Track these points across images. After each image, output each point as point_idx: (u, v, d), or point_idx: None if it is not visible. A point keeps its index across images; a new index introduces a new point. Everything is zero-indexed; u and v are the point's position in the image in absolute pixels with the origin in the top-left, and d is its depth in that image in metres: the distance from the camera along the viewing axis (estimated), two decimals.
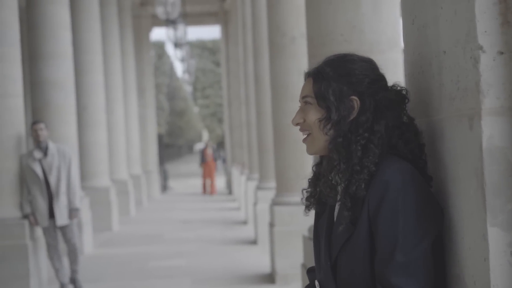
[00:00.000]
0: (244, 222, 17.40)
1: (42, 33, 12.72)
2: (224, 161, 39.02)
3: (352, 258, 2.25)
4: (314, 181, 2.46)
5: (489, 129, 1.89)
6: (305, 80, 2.44)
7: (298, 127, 2.41)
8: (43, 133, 9.50)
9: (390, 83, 2.39)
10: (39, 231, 9.86)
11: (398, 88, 2.36)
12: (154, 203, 25.26)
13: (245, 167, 21.81)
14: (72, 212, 9.57)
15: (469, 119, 1.97)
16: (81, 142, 15.49)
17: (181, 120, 74.28)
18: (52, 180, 9.44)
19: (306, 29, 5.87)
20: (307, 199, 2.48)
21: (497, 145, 1.89)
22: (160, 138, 33.51)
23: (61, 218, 9.44)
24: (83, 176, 15.81)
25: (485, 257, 1.92)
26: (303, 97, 2.38)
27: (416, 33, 2.37)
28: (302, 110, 2.39)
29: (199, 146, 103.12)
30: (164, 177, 32.34)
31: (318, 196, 2.43)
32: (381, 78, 2.37)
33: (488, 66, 1.90)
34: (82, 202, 13.18)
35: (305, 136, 2.39)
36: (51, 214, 9.47)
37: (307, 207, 2.49)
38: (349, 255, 2.26)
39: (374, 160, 2.22)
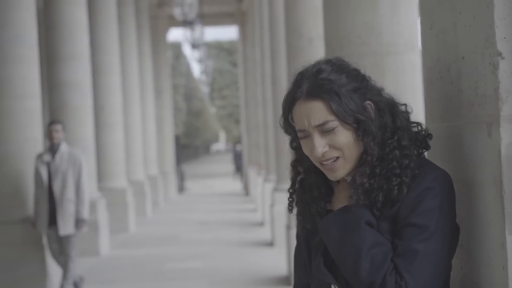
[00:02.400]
0: (261, 224, 17.40)
1: (60, 34, 12.79)
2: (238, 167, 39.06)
3: None
4: (300, 191, 2.30)
5: (508, 136, 1.87)
6: (295, 102, 2.16)
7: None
8: (58, 135, 8.91)
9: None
10: None
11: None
12: (171, 204, 25.31)
13: (261, 168, 21.80)
14: (79, 223, 8.87)
15: (487, 126, 1.95)
16: (98, 143, 15.55)
17: (198, 121, 74.46)
18: (56, 185, 8.83)
19: (324, 31, 5.85)
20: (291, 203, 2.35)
21: None
22: (177, 138, 33.55)
23: (64, 227, 8.77)
24: (100, 177, 15.86)
25: (503, 265, 1.90)
26: (320, 126, 2.11)
27: (434, 38, 2.35)
28: (321, 138, 2.12)
29: (216, 146, 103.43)
30: (181, 178, 32.39)
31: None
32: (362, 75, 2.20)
33: (507, 72, 1.88)
34: (100, 205, 13.21)
35: (331, 161, 2.14)
36: (52, 221, 8.89)
37: (291, 210, 2.38)
38: None
39: (414, 160, 2.10)
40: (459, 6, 2.10)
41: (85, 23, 13.23)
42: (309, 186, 2.27)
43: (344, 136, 2.11)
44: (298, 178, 2.31)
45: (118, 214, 16.19)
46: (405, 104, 2.22)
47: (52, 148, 8.95)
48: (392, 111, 2.17)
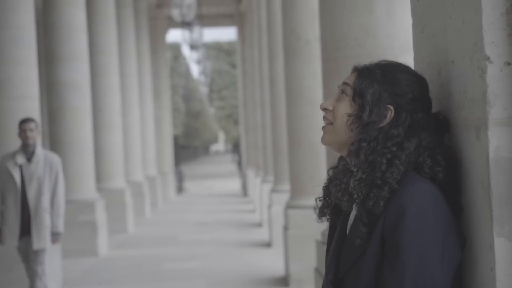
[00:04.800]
0: (259, 225, 17.41)
1: (59, 35, 12.82)
2: (239, 162, 39.03)
3: (361, 275, 2.14)
4: (328, 189, 2.32)
5: (496, 139, 1.90)
6: (352, 73, 2.33)
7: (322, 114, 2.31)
8: (33, 135, 7.70)
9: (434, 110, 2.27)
10: None
11: (441, 117, 2.22)
12: (170, 205, 25.31)
13: (260, 168, 21.83)
14: (54, 236, 7.76)
15: (476, 129, 1.97)
16: (97, 144, 15.57)
17: (197, 122, 74.42)
18: (31, 192, 7.65)
19: (320, 33, 5.89)
20: (321, 209, 2.34)
21: (504, 155, 1.89)
22: (175, 139, 33.55)
23: (39, 240, 7.60)
24: (99, 178, 15.87)
25: (491, 267, 1.92)
26: (343, 83, 2.28)
27: (425, 42, 2.37)
28: (335, 98, 2.28)
29: (215, 147, 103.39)
30: (180, 178, 32.38)
31: (333, 206, 2.32)
32: (426, 100, 2.23)
33: (495, 76, 1.90)
34: (98, 206, 13.22)
35: (325, 123, 2.28)
36: (23, 232, 7.70)
37: (320, 217, 2.37)
38: (358, 271, 2.15)
39: (397, 178, 2.09)
40: (449, 10, 2.13)
41: (84, 24, 13.25)
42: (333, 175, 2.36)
43: (345, 107, 2.24)
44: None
45: (116, 214, 16.20)
46: (444, 147, 2.18)
47: (26, 150, 7.76)
48: (410, 133, 2.16)
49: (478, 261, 2.02)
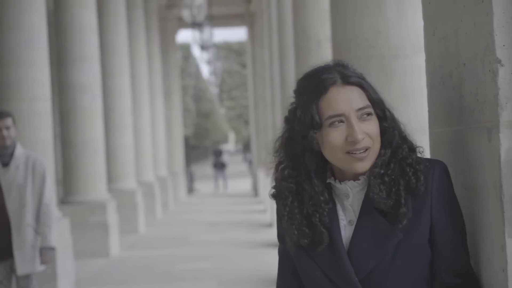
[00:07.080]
0: (270, 225, 17.40)
1: (70, 36, 12.86)
2: (250, 163, 39.06)
3: (406, 265, 2.08)
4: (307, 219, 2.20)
5: (507, 141, 1.91)
6: (328, 88, 2.10)
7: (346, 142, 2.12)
8: (10, 134, 6.23)
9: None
10: (67, 233, 9.91)
11: None
12: (180, 205, 25.35)
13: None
14: (45, 252, 6.34)
15: (487, 132, 1.98)
16: (108, 145, 15.61)
17: (207, 122, 74.43)
18: (12, 204, 6.23)
19: (331, 34, 5.88)
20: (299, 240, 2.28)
21: None
22: (186, 139, 33.61)
23: (23, 263, 6.21)
24: (110, 178, 15.93)
25: (503, 268, 1.93)
26: (361, 109, 2.11)
27: (437, 44, 2.38)
28: (358, 124, 2.09)
29: (226, 147, 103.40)
30: (190, 179, 32.42)
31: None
32: None
33: (506, 79, 1.91)
34: (109, 207, 13.24)
35: (363, 152, 2.11)
36: (3, 254, 6.25)
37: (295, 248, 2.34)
38: (401, 262, 2.08)
39: (421, 150, 2.18)
40: (460, 13, 2.14)
41: (95, 25, 13.30)
42: (309, 195, 2.19)
43: (376, 125, 2.13)
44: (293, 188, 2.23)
45: (127, 215, 16.25)
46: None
47: (3, 153, 6.33)
48: (394, 121, 2.21)
49: (489, 262, 2.03)
